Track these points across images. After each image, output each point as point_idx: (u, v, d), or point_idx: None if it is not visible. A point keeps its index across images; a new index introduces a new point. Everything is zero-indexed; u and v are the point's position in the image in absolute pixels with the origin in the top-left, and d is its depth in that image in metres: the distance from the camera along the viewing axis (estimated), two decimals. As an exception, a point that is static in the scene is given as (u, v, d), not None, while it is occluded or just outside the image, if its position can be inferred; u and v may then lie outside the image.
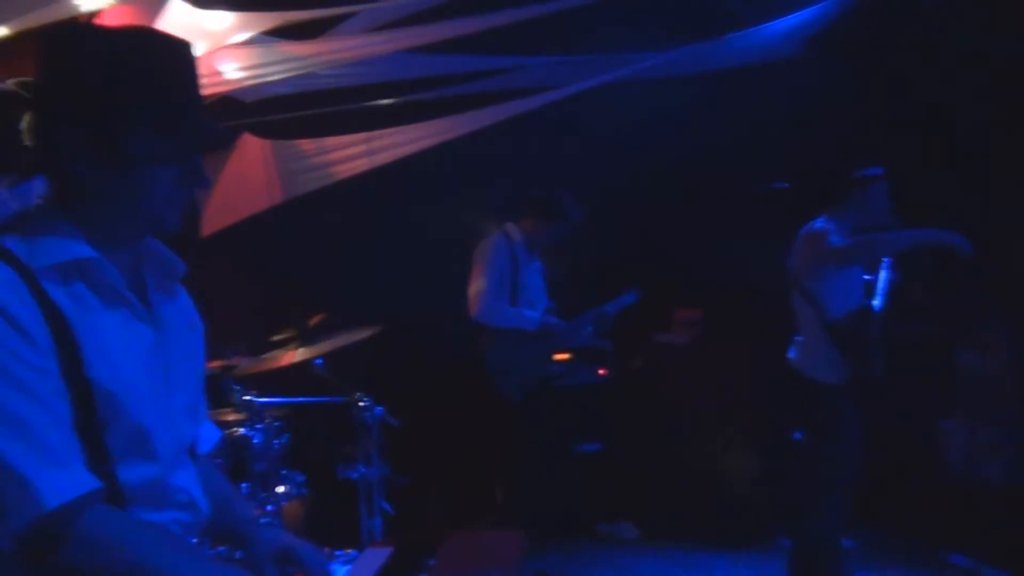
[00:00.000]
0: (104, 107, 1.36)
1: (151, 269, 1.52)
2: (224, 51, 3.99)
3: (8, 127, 1.41)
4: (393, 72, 4.65)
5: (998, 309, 4.66)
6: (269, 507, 3.33)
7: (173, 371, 1.51)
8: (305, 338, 3.71)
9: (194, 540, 1.56)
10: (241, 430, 3.35)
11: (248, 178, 5.03)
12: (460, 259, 4.46)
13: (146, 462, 1.41)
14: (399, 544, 1.94)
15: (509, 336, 4.35)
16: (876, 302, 3.82)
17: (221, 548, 2.17)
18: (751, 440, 5.08)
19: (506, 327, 4.36)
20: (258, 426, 3.40)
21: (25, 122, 1.39)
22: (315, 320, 3.75)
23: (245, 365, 3.68)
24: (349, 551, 1.96)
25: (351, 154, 4.94)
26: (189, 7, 3.62)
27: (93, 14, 3.39)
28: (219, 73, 4.11)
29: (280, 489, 3.41)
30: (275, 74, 4.31)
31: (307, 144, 5.07)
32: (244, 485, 3.26)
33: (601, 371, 5.23)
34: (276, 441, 3.47)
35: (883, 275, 3.87)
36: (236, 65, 4.16)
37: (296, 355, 3.66)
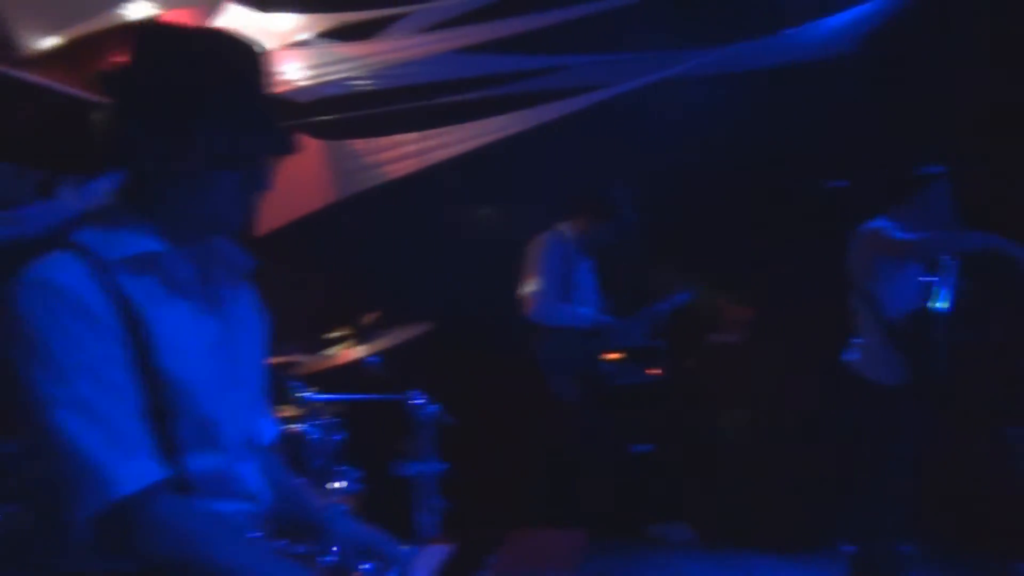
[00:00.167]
0: (184, 105, 1.38)
1: (219, 264, 1.54)
2: (282, 53, 4.05)
3: (76, 131, 1.44)
4: (443, 72, 4.67)
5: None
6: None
7: (238, 364, 1.53)
8: (361, 336, 3.74)
9: (258, 532, 1.58)
10: (299, 426, 3.40)
11: (303, 178, 5.08)
12: (513, 258, 4.46)
13: (212, 453, 1.43)
14: (459, 541, 1.93)
15: (562, 335, 4.35)
16: (937, 304, 3.73)
17: (283, 541, 2.19)
18: (806, 441, 4.99)
19: (559, 326, 4.35)
20: (315, 422, 3.45)
21: (96, 119, 1.41)
22: (371, 318, 3.78)
23: (303, 362, 3.72)
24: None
25: (402, 153, 4.98)
26: (245, 10, 3.68)
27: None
28: (278, 75, 4.18)
29: (336, 485, 3.45)
30: (329, 75, 4.37)
31: (359, 144, 5.12)
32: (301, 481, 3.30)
33: (653, 371, 5.18)
34: (333, 437, 3.51)
35: (948, 278, 3.77)
36: (294, 67, 4.23)
37: (353, 353, 3.70)
